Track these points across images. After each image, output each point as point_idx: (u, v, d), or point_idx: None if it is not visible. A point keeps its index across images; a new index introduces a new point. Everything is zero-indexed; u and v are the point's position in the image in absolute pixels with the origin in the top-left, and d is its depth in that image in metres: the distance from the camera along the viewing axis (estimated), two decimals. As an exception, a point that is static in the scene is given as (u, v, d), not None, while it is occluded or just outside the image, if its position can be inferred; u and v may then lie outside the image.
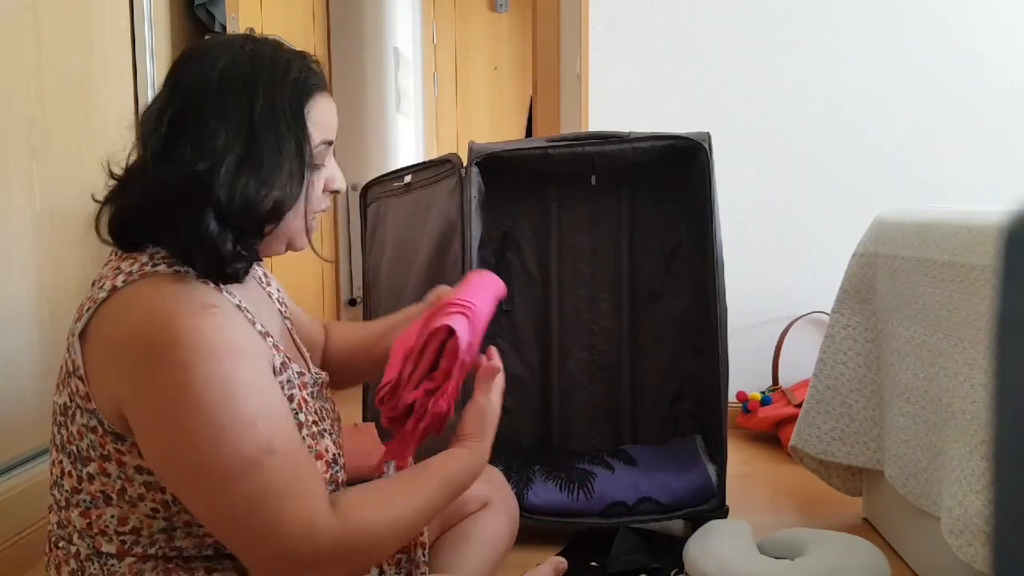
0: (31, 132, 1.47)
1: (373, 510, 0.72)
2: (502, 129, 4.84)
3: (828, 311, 2.15)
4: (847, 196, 2.18)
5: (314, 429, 0.80)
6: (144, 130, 0.75)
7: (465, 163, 1.53)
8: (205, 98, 0.73)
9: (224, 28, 1.90)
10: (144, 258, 0.73)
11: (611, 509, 1.42)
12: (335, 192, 0.85)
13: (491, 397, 0.88)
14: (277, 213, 0.75)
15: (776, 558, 1.26)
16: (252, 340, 0.72)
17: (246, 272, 0.77)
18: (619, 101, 2.19)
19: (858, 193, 2.18)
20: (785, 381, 2.18)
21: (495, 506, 1.11)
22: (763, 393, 2.12)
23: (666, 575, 1.29)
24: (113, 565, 0.74)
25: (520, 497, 1.41)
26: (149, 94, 1.86)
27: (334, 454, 0.82)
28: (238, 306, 0.75)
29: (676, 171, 1.61)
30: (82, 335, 0.71)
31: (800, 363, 2.18)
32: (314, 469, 0.70)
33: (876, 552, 1.22)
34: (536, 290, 1.73)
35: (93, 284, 0.75)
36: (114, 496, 0.73)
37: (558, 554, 1.33)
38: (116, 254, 0.77)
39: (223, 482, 0.65)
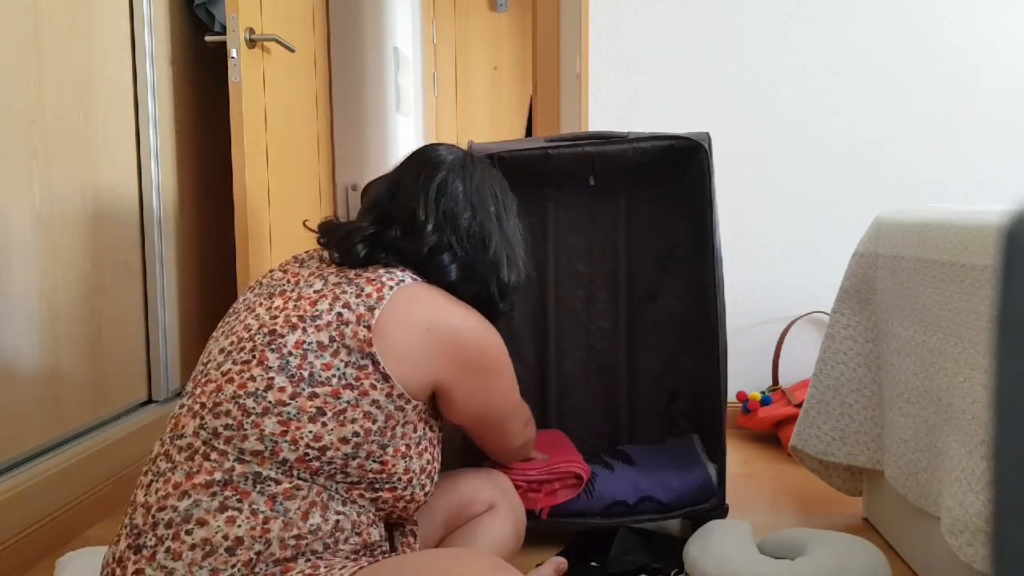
0: (31, 132, 1.47)
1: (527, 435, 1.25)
2: (502, 129, 4.84)
3: (828, 311, 2.15)
4: (847, 196, 2.18)
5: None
6: (407, 205, 1.03)
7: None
8: (474, 207, 1.06)
9: (224, 28, 1.89)
10: (410, 274, 0.99)
11: (612, 509, 1.42)
12: None
13: None
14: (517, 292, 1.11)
15: (776, 558, 1.26)
16: None
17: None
18: (619, 101, 2.19)
19: (858, 193, 2.18)
20: (785, 381, 2.18)
21: (501, 510, 1.12)
22: (763, 393, 2.12)
23: (666, 575, 1.29)
24: (269, 485, 0.82)
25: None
26: (148, 93, 1.86)
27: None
28: None
29: (675, 171, 1.61)
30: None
31: (800, 363, 2.18)
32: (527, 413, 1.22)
33: (876, 552, 1.22)
34: (533, 290, 1.73)
35: (352, 276, 0.96)
36: (328, 413, 0.85)
37: (558, 554, 1.34)
38: (332, 265, 1.01)
39: (506, 427, 1.12)
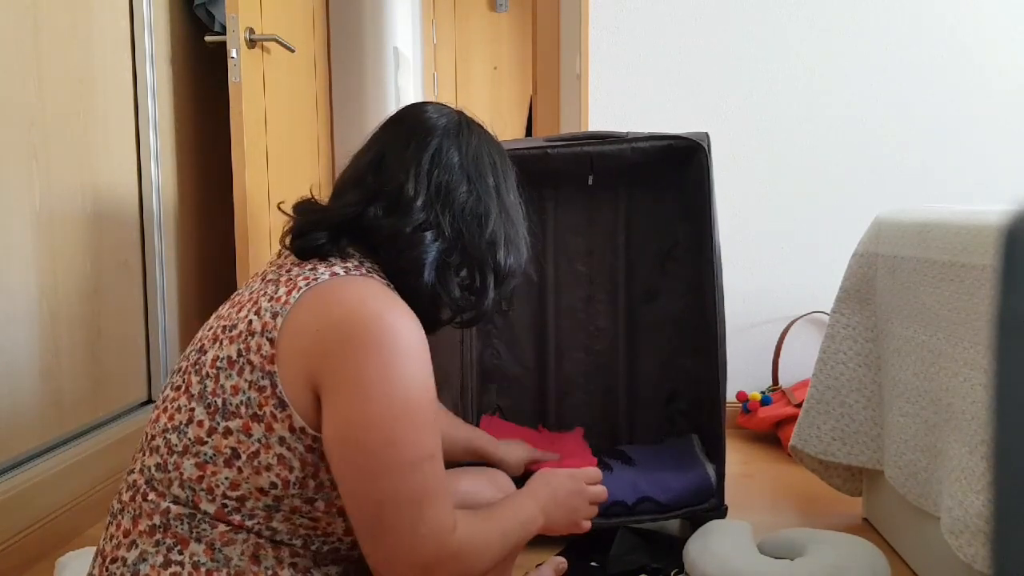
0: (31, 132, 1.47)
1: (478, 530, 0.80)
2: (502, 129, 4.83)
3: (828, 311, 2.15)
4: (847, 196, 2.18)
5: None
6: (394, 177, 0.86)
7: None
8: (469, 175, 0.90)
9: (224, 28, 1.90)
10: (352, 262, 0.82)
11: (611, 509, 1.42)
12: None
13: (565, 480, 0.98)
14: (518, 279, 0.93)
15: (776, 558, 1.26)
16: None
17: (456, 325, 0.92)
18: (619, 101, 2.19)
19: (858, 193, 2.18)
20: (785, 381, 2.18)
21: None
22: (763, 393, 2.12)
23: (666, 575, 1.29)
24: (204, 530, 0.74)
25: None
26: (148, 93, 1.86)
27: None
28: None
29: (674, 171, 1.61)
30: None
31: (800, 363, 2.18)
32: (450, 496, 0.77)
33: (876, 552, 1.22)
34: (532, 290, 1.73)
35: (282, 273, 0.81)
36: (243, 456, 0.74)
37: (558, 554, 1.34)
38: (291, 258, 0.85)
39: (387, 472, 0.72)
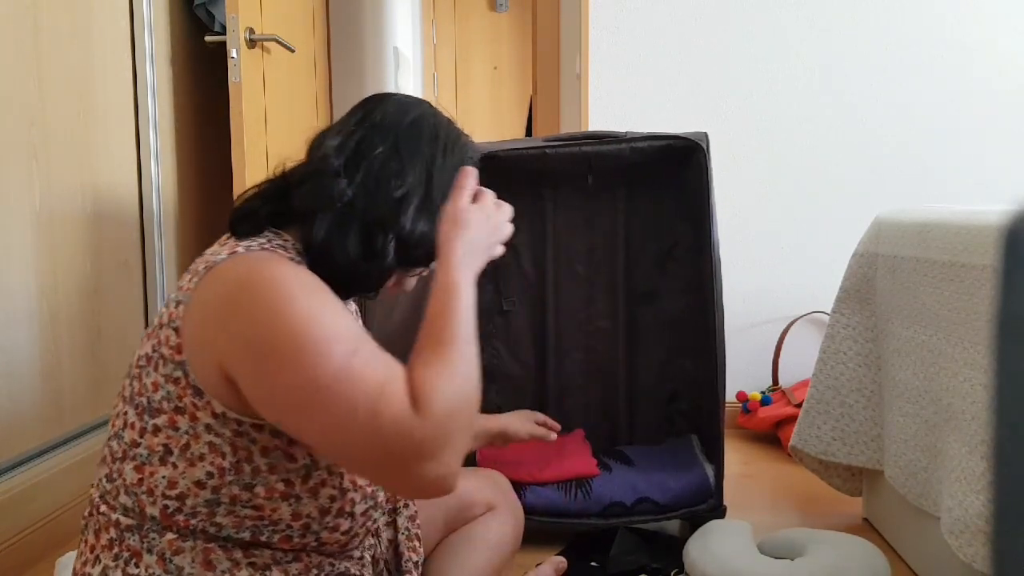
0: (31, 132, 1.47)
1: (435, 372, 0.70)
2: (502, 129, 4.84)
3: (828, 311, 2.15)
4: (847, 196, 2.18)
5: None
6: (323, 147, 0.83)
7: (465, 163, 1.53)
8: (398, 137, 0.84)
9: (224, 28, 1.89)
10: (264, 239, 0.78)
11: (609, 510, 1.42)
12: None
13: (473, 215, 0.85)
14: (433, 254, 0.83)
15: (776, 558, 1.26)
16: (329, 290, 0.74)
17: (343, 298, 0.82)
18: (619, 101, 2.19)
19: (858, 193, 2.18)
20: (785, 381, 2.18)
21: (500, 510, 1.11)
22: (763, 393, 2.12)
23: (666, 575, 1.29)
24: (153, 539, 0.74)
25: (518, 497, 1.41)
26: (148, 93, 1.86)
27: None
28: None
29: (673, 171, 1.61)
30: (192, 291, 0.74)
31: (800, 363, 2.18)
32: (399, 370, 0.70)
33: (876, 552, 1.22)
34: (532, 290, 1.73)
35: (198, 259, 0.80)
36: (176, 451, 0.73)
37: (558, 554, 1.34)
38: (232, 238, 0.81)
39: (321, 393, 0.66)
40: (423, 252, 0.84)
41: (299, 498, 0.76)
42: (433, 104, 0.91)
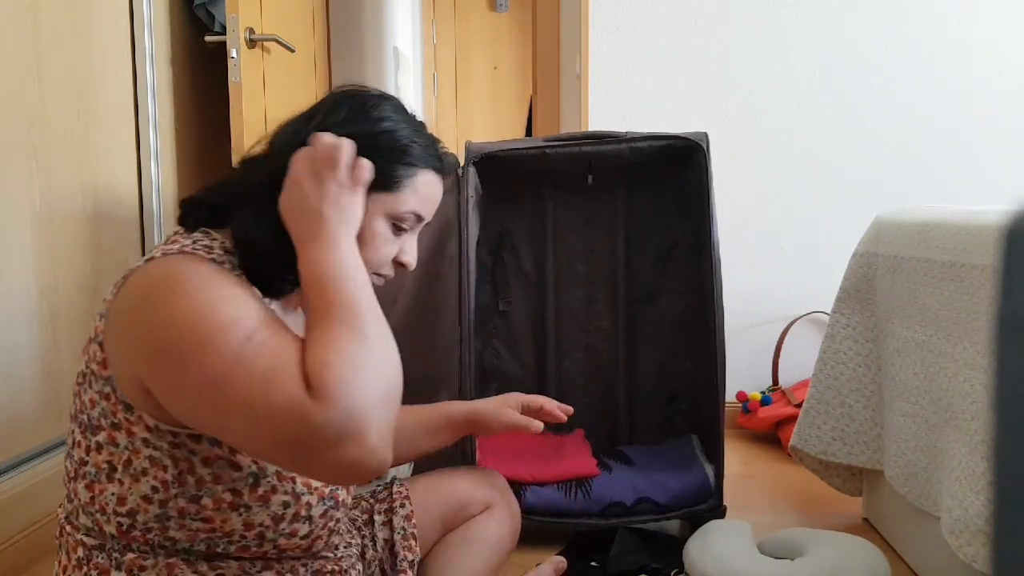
0: (31, 132, 1.47)
1: (334, 355, 0.64)
2: (502, 129, 4.84)
3: (828, 311, 2.15)
4: (847, 196, 2.18)
5: None
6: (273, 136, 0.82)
7: (462, 163, 1.53)
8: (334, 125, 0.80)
9: (224, 28, 1.89)
10: (189, 241, 0.75)
11: (609, 510, 1.42)
12: (403, 265, 0.87)
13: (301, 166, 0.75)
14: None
15: (776, 558, 1.26)
16: (239, 283, 0.70)
17: (280, 289, 0.79)
18: (619, 101, 2.19)
19: (858, 193, 2.18)
20: (785, 381, 2.18)
21: (498, 509, 1.11)
22: (763, 393, 2.12)
23: (666, 575, 1.29)
24: (118, 557, 0.74)
25: (518, 497, 1.41)
26: (148, 93, 1.86)
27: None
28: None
29: (673, 171, 1.61)
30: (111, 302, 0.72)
31: (800, 363, 2.18)
32: (292, 351, 0.65)
33: (876, 552, 1.22)
34: (532, 290, 1.73)
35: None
36: (119, 467, 0.71)
37: (558, 554, 1.34)
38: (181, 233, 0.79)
39: (218, 386, 0.63)
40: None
41: (249, 507, 0.74)
42: (400, 104, 0.85)
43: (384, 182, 0.79)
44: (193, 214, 0.79)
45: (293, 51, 2.06)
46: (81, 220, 1.62)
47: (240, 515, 0.74)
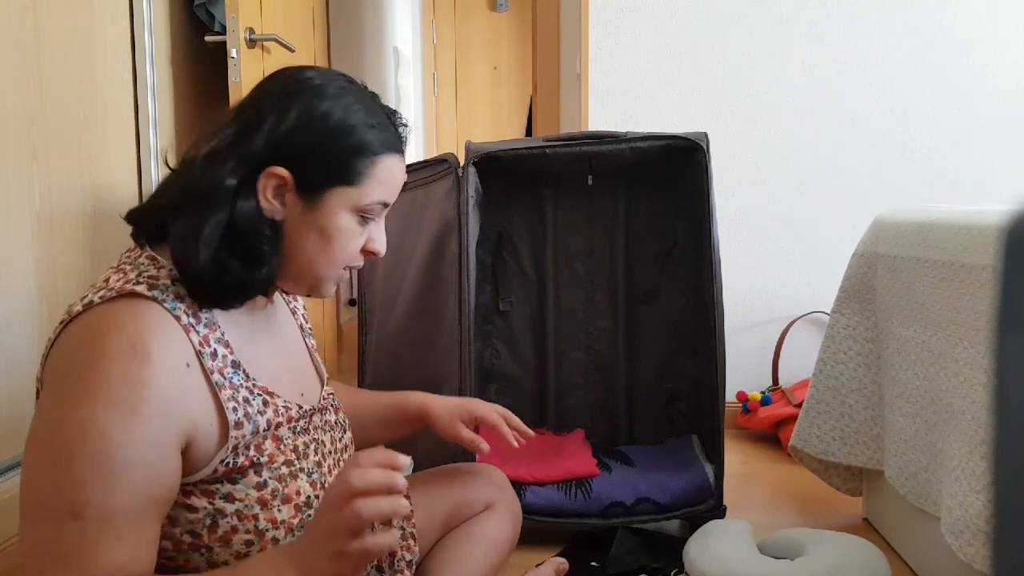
0: (31, 132, 1.47)
1: None
2: (502, 129, 4.84)
3: (828, 311, 2.15)
4: (847, 196, 2.18)
5: (284, 471, 0.77)
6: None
7: (462, 163, 1.53)
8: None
9: (224, 28, 1.90)
10: (135, 272, 0.72)
11: (609, 510, 1.42)
12: (372, 254, 0.84)
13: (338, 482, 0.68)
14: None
15: (776, 558, 1.26)
16: (164, 399, 0.67)
17: (233, 305, 0.76)
18: (619, 101, 2.19)
19: (858, 193, 2.18)
20: (785, 381, 2.18)
21: (498, 509, 1.11)
22: (763, 393, 2.12)
23: (666, 575, 1.29)
24: None
25: (518, 496, 1.41)
26: (148, 93, 1.86)
27: (308, 496, 0.78)
28: (201, 346, 0.72)
29: (673, 171, 1.61)
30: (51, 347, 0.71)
31: (800, 363, 2.18)
32: (117, 555, 0.65)
33: (876, 552, 1.22)
34: (532, 290, 1.73)
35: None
36: None
37: (558, 554, 1.34)
38: (136, 249, 0.77)
39: (28, 513, 0.65)
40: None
41: (210, 548, 0.72)
42: (346, 84, 0.80)
43: (345, 177, 0.77)
44: (144, 228, 0.77)
45: (293, 51, 2.06)
46: (81, 220, 1.62)
47: (202, 555, 0.73)
